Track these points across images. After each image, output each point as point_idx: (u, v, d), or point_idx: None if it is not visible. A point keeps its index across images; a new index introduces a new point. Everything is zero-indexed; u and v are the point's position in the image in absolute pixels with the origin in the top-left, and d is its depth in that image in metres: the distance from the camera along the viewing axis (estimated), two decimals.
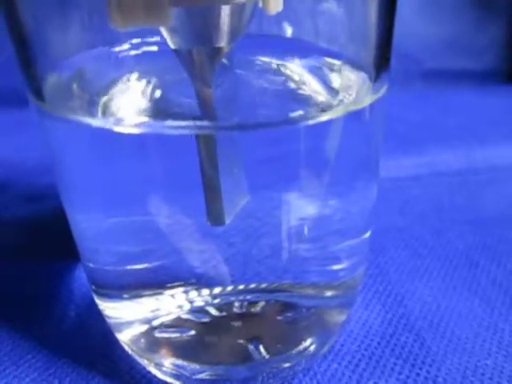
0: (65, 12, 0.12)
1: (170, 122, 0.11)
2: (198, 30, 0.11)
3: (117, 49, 0.14)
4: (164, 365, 0.15)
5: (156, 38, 0.14)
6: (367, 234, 0.16)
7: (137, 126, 0.11)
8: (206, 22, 0.11)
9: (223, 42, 0.11)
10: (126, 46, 0.14)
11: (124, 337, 0.16)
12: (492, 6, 0.49)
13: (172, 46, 0.11)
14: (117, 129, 0.11)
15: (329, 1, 0.12)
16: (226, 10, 0.10)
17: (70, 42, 0.13)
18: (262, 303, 0.14)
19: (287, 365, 0.15)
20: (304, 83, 0.14)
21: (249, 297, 0.14)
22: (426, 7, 0.47)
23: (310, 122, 0.12)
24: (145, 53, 0.14)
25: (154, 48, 0.14)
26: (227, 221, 0.12)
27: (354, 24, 0.13)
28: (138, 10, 0.09)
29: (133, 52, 0.14)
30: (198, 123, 0.11)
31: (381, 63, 0.13)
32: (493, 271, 0.21)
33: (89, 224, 0.14)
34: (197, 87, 0.12)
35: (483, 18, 0.48)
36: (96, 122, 0.12)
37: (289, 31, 0.13)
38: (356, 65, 0.13)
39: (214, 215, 0.12)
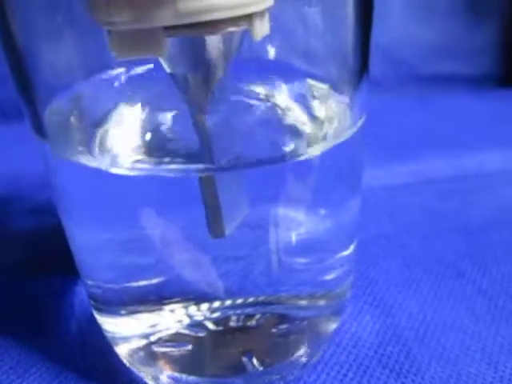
0: (63, 39, 0.13)
1: (166, 166, 0.12)
2: (192, 56, 0.11)
3: (114, 74, 0.15)
4: (161, 378, 0.16)
5: (151, 65, 0.15)
6: (354, 244, 0.17)
7: (133, 169, 0.12)
8: (199, 49, 0.11)
9: (216, 67, 0.12)
10: (123, 71, 0.15)
11: (122, 350, 0.16)
12: (484, 10, 0.49)
13: (168, 70, 0.12)
14: (113, 170, 0.12)
15: (307, 22, 0.13)
16: (216, 38, 0.11)
17: (68, 70, 0.13)
18: (257, 316, 0.15)
19: (279, 376, 0.16)
20: (290, 109, 0.15)
21: (246, 310, 0.15)
22: (418, 12, 0.47)
23: (300, 158, 0.12)
24: (140, 80, 0.15)
25: (151, 74, 0.15)
26: (227, 233, 0.13)
27: (331, 45, 0.14)
28: (133, 42, 0.10)
29: (129, 79, 0.15)
30: (194, 166, 0.12)
31: (359, 86, 0.14)
32: (478, 280, 0.22)
33: (86, 241, 0.15)
34: (193, 115, 0.12)
35: (476, 22, 0.49)
36: (92, 163, 0.12)
37: (271, 51, 0.14)
38: (336, 89, 0.14)
39: (214, 228, 0.13)
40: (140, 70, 0.15)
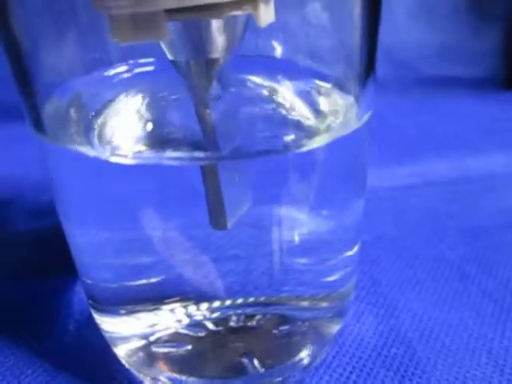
0: (62, 35, 0.13)
1: (168, 154, 0.11)
2: (194, 42, 0.11)
3: (113, 71, 0.14)
4: (160, 379, 0.15)
5: (151, 59, 0.15)
6: (358, 245, 0.16)
7: (134, 157, 0.12)
8: (201, 35, 0.11)
9: (218, 54, 0.11)
10: (123, 68, 0.15)
11: (120, 351, 0.16)
12: (487, 13, 0.49)
13: (170, 57, 0.12)
14: (113, 159, 0.12)
15: (313, 21, 0.13)
16: (219, 23, 0.11)
17: (67, 66, 0.13)
18: (258, 317, 0.15)
19: (280, 378, 0.16)
20: (294, 108, 0.14)
21: (247, 310, 0.15)
22: (421, 14, 0.47)
23: (302, 150, 0.12)
24: (140, 74, 0.15)
25: (150, 68, 0.15)
26: (229, 225, 0.13)
27: (339, 43, 0.13)
28: (134, 26, 0.10)
29: (128, 74, 0.15)
30: (197, 154, 0.12)
31: (365, 84, 0.13)
32: (483, 281, 0.21)
33: (85, 239, 0.15)
34: (195, 102, 0.12)
35: (479, 24, 0.49)
36: (92, 152, 0.12)
37: (278, 49, 0.14)
38: (342, 86, 0.14)
39: (216, 219, 0.13)
40: (141, 66, 0.15)
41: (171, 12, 0.10)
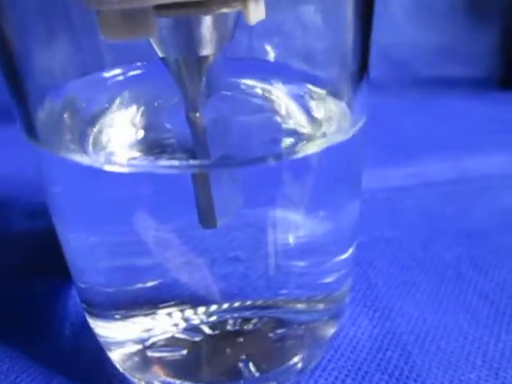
0: (55, 37, 0.13)
1: (163, 162, 0.11)
2: (184, 39, 0.11)
3: (107, 74, 0.14)
4: (155, 383, 0.15)
5: (145, 62, 0.15)
6: (353, 248, 0.16)
7: (128, 165, 0.12)
8: (191, 31, 0.11)
9: (208, 51, 0.11)
10: (117, 71, 0.15)
11: (115, 356, 0.16)
12: (485, 13, 0.49)
13: (160, 54, 0.12)
14: (108, 168, 0.12)
15: (306, 23, 0.13)
16: (209, 20, 0.11)
17: (60, 68, 0.13)
18: (255, 320, 0.15)
19: (276, 382, 0.16)
20: (288, 113, 0.14)
21: (244, 314, 0.15)
22: (419, 14, 0.47)
23: (297, 156, 0.12)
24: (134, 77, 0.15)
25: (144, 72, 0.15)
26: (218, 224, 0.13)
27: (332, 45, 0.13)
28: (123, 22, 0.10)
29: (122, 77, 0.15)
30: (191, 162, 0.12)
31: (358, 89, 0.13)
32: (480, 283, 0.21)
33: (79, 243, 0.15)
34: (185, 103, 0.12)
35: (476, 24, 0.49)
36: (87, 159, 0.12)
37: (271, 52, 0.14)
38: (336, 91, 0.14)
39: (205, 218, 0.13)
40: (134, 71, 0.15)
41: (160, 8, 0.10)
